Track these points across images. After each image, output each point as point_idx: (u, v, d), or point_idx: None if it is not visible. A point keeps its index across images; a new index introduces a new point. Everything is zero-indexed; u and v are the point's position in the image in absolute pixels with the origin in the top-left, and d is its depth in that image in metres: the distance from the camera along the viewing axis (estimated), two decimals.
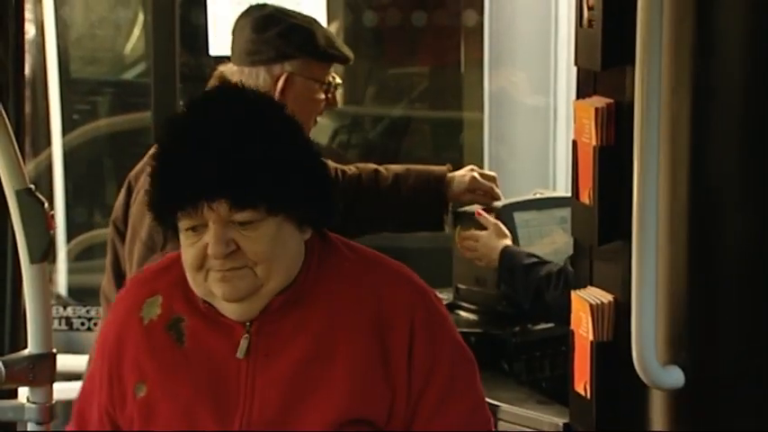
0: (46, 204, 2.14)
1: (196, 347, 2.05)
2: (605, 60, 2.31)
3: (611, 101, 2.32)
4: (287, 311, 2.07)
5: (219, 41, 4.53)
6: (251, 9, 2.92)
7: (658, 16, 2.15)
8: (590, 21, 2.35)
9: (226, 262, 1.99)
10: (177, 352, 2.05)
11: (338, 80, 2.95)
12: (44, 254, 2.14)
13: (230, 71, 2.87)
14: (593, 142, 2.32)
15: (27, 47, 5.09)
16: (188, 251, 2.02)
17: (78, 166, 5.22)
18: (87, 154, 5.35)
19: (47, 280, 2.15)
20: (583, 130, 2.36)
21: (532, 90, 4.46)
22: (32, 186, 2.13)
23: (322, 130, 5.50)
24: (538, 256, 2.98)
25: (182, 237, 2.04)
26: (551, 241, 3.08)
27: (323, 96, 2.90)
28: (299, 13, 2.92)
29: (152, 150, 2.88)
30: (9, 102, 2.34)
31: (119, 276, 2.84)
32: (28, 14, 5.08)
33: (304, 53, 2.83)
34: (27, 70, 5.07)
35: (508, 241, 3.03)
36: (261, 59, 2.82)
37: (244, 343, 2.04)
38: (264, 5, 2.93)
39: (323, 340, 2.06)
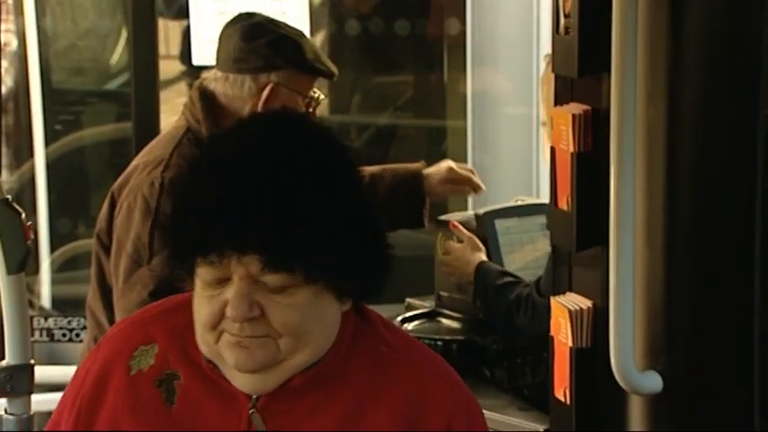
0: (23, 215, 2.14)
1: (187, 412, 1.73)
2: (582, 67, 2.31)
3: (589, 107, 2.33)
4: (306, 390, 1.75)
5: (202, 51, 4.53)
6: (240, 17, 2.91)
7: (633, 23, 2.16)
8: (566, 28, 2.36)
9: (246, 327, 1.66)
10: (163, 413, 1.73)
11: (321, 96, 2.95)
12: (21, 265, 2.13)
13: (213, 77, 2.86)
14: (571, 149, 2.32)
15: (10, 58, 5.11)
16: (203, 305, 1.67)
17: (62, 176, 5.22)
18: (71, 164, 5.35)
19: (24, 291, 2.15)
20: (560, 137, 2.37)
21: (515, 97, 4.47)
22: (9, 197, 2.13)
23: None
24: (511, 275, 2.99)
25: (197, 286, 1.70)
26: (533, 249, 3.08)
27: (303, 110, 2.87)
28: (288, 25, 2.92)
29: (136, 162, 2.88)
30: None
31: (104, 290, 2.82)
32: (10, 26, 5.09)
33: (291, 65, 2.82)
34: (10, 82, 5.09)
35: (483, 256, 3.03)
36: (248, 68, 2.81)
37: (256, 420, 1.73)
38: (253, 14, 2.93)
39: (345, 428, 1.75)
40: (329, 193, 1.65)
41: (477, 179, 3.21)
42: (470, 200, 4.46)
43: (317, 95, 2.90)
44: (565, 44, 2.35)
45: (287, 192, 1.62)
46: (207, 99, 2.84)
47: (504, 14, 4.50)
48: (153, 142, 2.91)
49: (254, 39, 2.81)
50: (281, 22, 2.91)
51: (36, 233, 4.97)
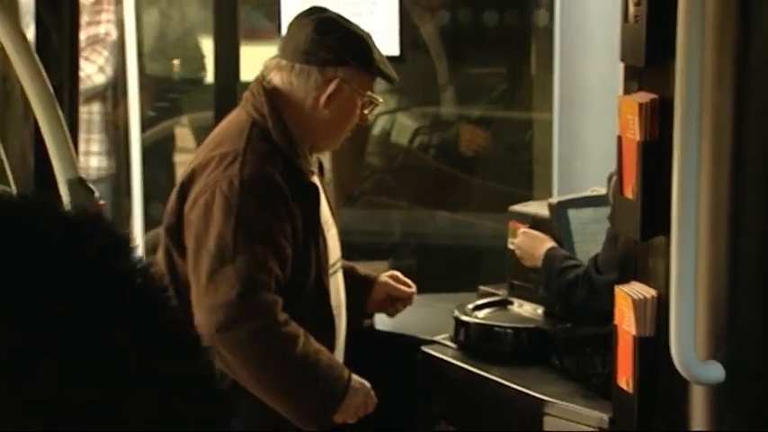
0: (96, 193, 2.20)
1: None
2: (649, 56, 2.31)
3: (656, 96, 2.32)
4: None
5: None
6: (313, 10, 2.94)
7: (699, 10, 2.15)
8: (635, 16, 2.35)
9: None
10: None
11: (379, 99, 2.96)
12: None
13: (276, 66, 2.88)
14: (637, 138, 2.32)
15: (110, 48, 5.23)
16: None
17: (156, 161, 5.33)
18: (165, 150, 5.46)
19: None
20: (627, 126, 2.37)
21: (602, 89, 4.45)
22: (83, 176, 2.19)
23: (402, 131, 5.54)
24: (575, 259, 2.99)
25: None
26: None
27: (359, 110, 2.87)
28: (358, 26, 2.94)
29: (205, 155, 2.84)
30: (65, 97, 2.40)
31: (177, 286, 2.79)
32: (110, 15, 5.21)
33: (359, 63, 2.83)
34: (110, 71, 5.22)
35: (551, 243, 3.04)
36: (317, 60, 2.82)
37: None
38: (326, 9, 2.95)
39: None
40: None
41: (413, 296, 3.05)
42: (555, 189, 4.45)
43: (376, 99, 2.91)
44: (633, 32, 2.35)
45: None
46: (269, 92, 2.84)
47: (593, 5, 4.48)
48: (217, 135, 2.89)
49: (327, 33, 2.83)
50: (353, 22, 2.93)
51: (130, 216, 5.08)
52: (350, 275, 3.06)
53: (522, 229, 3.13)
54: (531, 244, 3.07)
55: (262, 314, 2.70)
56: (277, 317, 2.71)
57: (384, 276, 3.06)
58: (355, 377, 2.80)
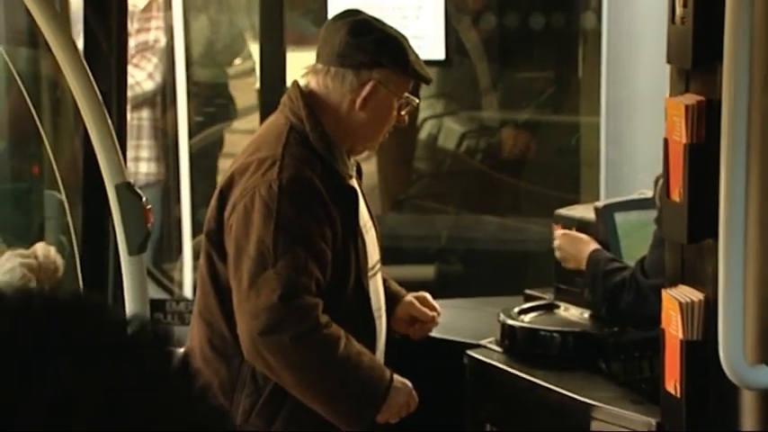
0: (144, 198, 2.22)
1: None
2: (696, 58, 2.30)
3: (702, 98, 2.31)
4: None
5: None
6: (347, 13, 2.93)
7: (748, 13, 2.14)
8: (682, 18, 2.34)
9: None
10: None
11: (416, 100, 2.95)
12: (141, 246, 2.22)
13: (313, 70, 2.88)
14: (684, 140, 2.31)
15: (159, 55, 5.27)
16: None
17: (206, 166, 5.36)
18: (213, 155, 5.49)
19: (144, 271, 2.23)
20: (674, 128, 2.35)
21: (650, 93, 4.42)
22: (131, 181, 2.21)
23: (449, 136, 5.54)
24: (620, 262, 2.97)
25: None
26: None
27: (396, 112, 2.87)
28: (393, 27, 2.93)
29: (244, 160, 2.84)
30: (113, 103, 2.43)
31: (219, 291, 2.80)
32: (159, 22, 5.26)
33: (394, 64, 2.83)
34: (159, 77, 5.25)
35: (594, 245, 3.02)
36: (352, 62, 2.82)
37: None
38: (360, 12, 2.95)
39: None
40: None
41: (437, 318, 3.01)
42: (602, 193, 4.43)
43: (412, 99, 2.90)
44: (679, 34, 2.34)
45: None
46: (306, 96, 2.85)
47: (641, 8, 4.45)
48: (256, 140, 2.90)
49: (362, 35, 2.83)
50: (387, 24, 2.92)
51: (179, 221, 5.11)
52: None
53: (562, 231, 3.11)
54: (573, 245, 3.06)
55: (304, 317, 2.71)
56: (319, 319, 2.72)
57: (411, 296, 3.04)
58: (397, 377, 2.81)
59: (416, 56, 2.90)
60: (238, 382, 2.81)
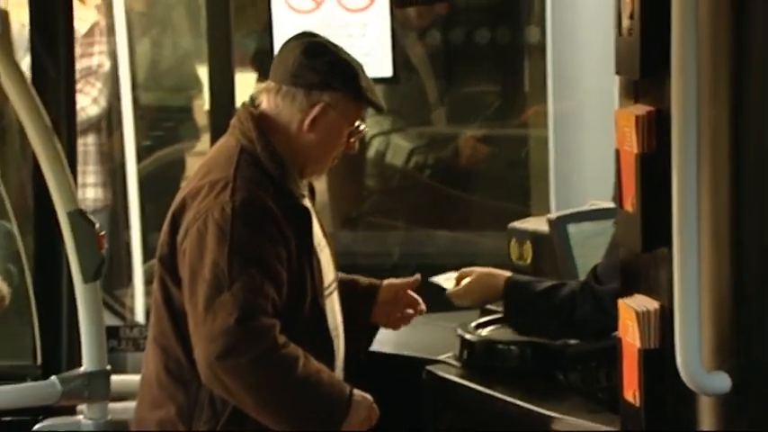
0: (97, 225, 2.20)
1: None
2: (644, 68, 2.32)
3: (652, 108, 2.33)
4: None
5: None
6: (304, 34, 2.94)
7: (693, 22, 2.16)
8: (629, 29, 2.36)
9: None
10: None
11: (365, 128, 2.93)
12: (96, 273, 2.20)
13: (265, 88, 2.89)
14: (635, 150, 2.33)
15: (103, 79, 5.24)
16: None
17: (154, 190, 5.33)
18: (163, 178, 5.46)
19: (99, 299, 2.21)
20: (625, 139, 2.37)
21: (596, 104, 4.47)
22: (82, 208, 2.20)
23: (398, 152, 5.55)
24: (550, 280, 2.98)
25: None
26: None
27: (345, 138, 2.86)
28: (348, 54, 2.92)
29: (195, 184, 2.75)
30: (62, 130, 2.41)
31: (174, 316, 2.79)
32: (102, 47, 5.22)
33: (346, 88, 2.83)
34: (104, 102, 5.22)
35: (506, 273, 3.03)
36: (303, 82, 2.82)
37: None
38: (316, 34, 2.96)
39: None
40: None
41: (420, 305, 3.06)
42: (553, 205, 4.46)
43: (361, 127, 2.89)
44: (627, 45, 2.36)
45: None
46: (256, 117, 2.84)
47: (584, 21, 4.50)
48: (207, 163, 2.89)
49: (315, 56, 2.83)
50: (343, 49, 2.92)
51: (129, 247, 5.08)
52: (353, 287, 3.06)
53: (465, 278, 3.06)
54: (483, 283, 3.04)
55: (261, 339, 2.70)
56: (276, 340, 2.71)
57: (389, 280, 3.07)
58: (357, 392, 2.81)
59: (369, 83, 2.90)
60: (196, 407, 2.79)
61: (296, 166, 2.88)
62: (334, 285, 2.97)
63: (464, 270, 3.10)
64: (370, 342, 3.11)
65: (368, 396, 2.82)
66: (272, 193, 2.80)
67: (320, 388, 2.74)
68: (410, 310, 3.08)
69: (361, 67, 2.90)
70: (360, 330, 3.05)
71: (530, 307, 2.95)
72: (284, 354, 2.71)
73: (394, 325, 3.10)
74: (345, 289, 3.04)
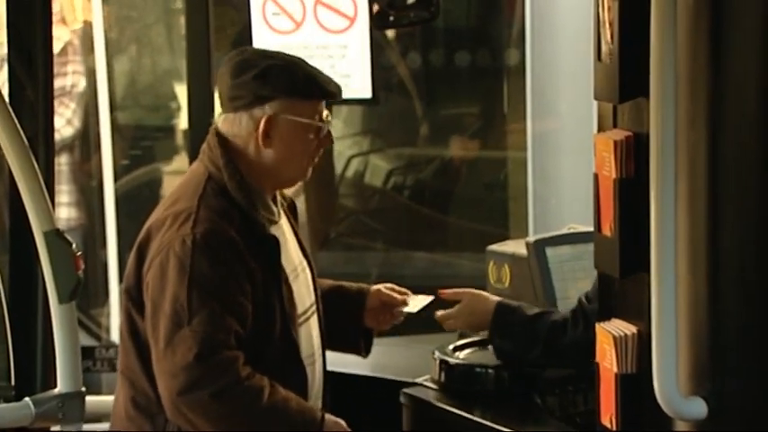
0: (74, 245, 2.19)
1: None
2: (622, 94, 2.32)
3: (631, 133, 2.33)
4: None
5: None
6: (232, 55, 2.88)
7: (671, 48, 2.17)
8: (608, 55, 2.37)
9: None
10: None
11: (327, 116, 2.84)
12: (72, 294, 2.19)
13: (222, 119, 2.84)
14: (613, 175, 2.33)
15: (77, 99, 5.22)
16: None
17: (133, 209, 5.32)
18: (140, 198, 5.45)
19: (75, 319, 2.20)
20: (603, 163, 2.38)
21: (575, 127, 4.48)
22: (59, 228, 2.18)
23: (376, 172, 5.56)
24: (540, 308, 2.98)
25: None
26: (586, 276, 3.07)
27: (312, 136, 2.81)
28: (281, 54, 2.85)
29: (161, 214, 2.71)
30: (39, 149, 2.40)
31: (139, 348, 2.76)
32: (76, 66, 5.21)
33: (281, 93, 2.77)
34: (77, 122, 5.20)
35: (496, 297, 3.03)
36: (242, 104, 2.78)
37: None
38: (245, 50, 2.89)
39: None
40: None
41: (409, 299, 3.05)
42: (531, 228, 4.46)
43: (325, 117, 2.81)
44: (606, 71, 2.36)
45: None
46: (223, 143, 2.81)
47: (563, 44, 4.51)
48: (175, 192, 2.86)
49: (241, 74, 2.78)
50: (274, 53, 2.86)
51: (105, 266, 5.06)
52: (340, 293, 3.03)
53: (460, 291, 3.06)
54: (473, 307, 3.03)
55: (223, 373, 2.67)
56: (239, 373, 2.68)
57: (378, 286, 3.05)
58: (329, 417, 2.78)
59: (309, 75, 2.81)
60: None
61: (267, 187, 2.85)
62: (312, 310, 2.93)
63: (444, 292, 3.07)
64: (369, 342, 3.08)
65: (340, 421, 2.79)
66: (237, 223, 2.76)
67: (288, 416, 2.71)
68: (398, 309, 3.06)
69: (296, 62, 2.82)
70: (356, 333, 3.03)
71: (515, 333, 2.94)
72: (247, 386, 2.68)
73: (385, 325, 3.08)
74: (333, 296, 3.02)
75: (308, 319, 2.90)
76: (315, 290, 2.96)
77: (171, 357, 2.66)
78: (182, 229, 2.72)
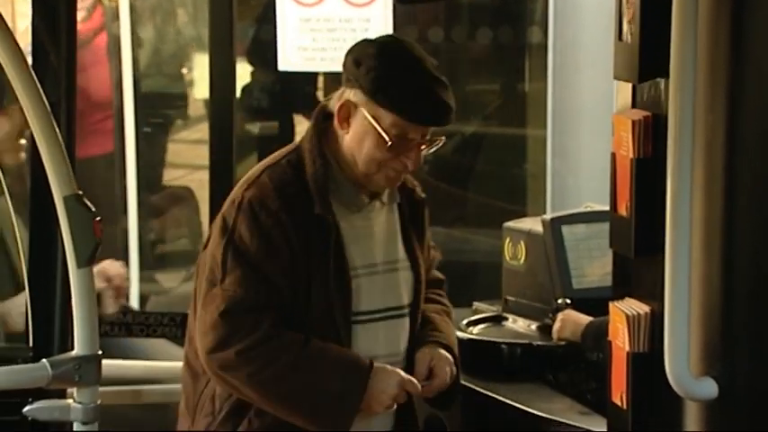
0: (93, 210, 2.21)
1: None
2: (642, 73, 2.32)
3: (649, 114, 2.34)
4: None
5: (288, 57, 4.61)
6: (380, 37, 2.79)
7: (692, 28, 2.17)
8: (629, 34, 2.37)
9: None
10: None
11: (420, 135, 2.63)
12: (90, 258, 2.21)
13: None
14: (631, 155, 2.34)
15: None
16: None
17: (151, 177, 5.34)
18: (160, 166, 5.48)
19: (93, 284, 2.22)
20: (621, 143, 2.38)
21: (596, 105, 4.47)
22: (80, 192, 2.20)
23: None
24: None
25: None
26: (601, 255, 3.08)
27: (384, 145, 2.61)
28: (412, 58, 2.65)
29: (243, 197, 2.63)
30: (61, 114, 2.41)
31: (195, 307, 2.71)
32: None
33: (367, 86, 2.62)
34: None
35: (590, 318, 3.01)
36: (342, 81, 2.71)
37: None
38: (392, 37, 2.83)
39: None
40: None
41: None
42: (549, 205, 4.47)
43: (419, 137, 2.60)
44: (626, 50, 2.36)
45: None
46: (324, 118, 2.70)
47: (586, 23, 4.50)
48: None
49: (351, 53, 2.68)
50: (409, 54, 2.64)
51: (125, 233, 5.09)
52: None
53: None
54: (571, 316, 3.04)
55: (247, 332, 2.62)
56: (265, 332, 2.63)
57: (425, 353, 2.78)
58: (380, 365, 2.65)
59: (413, 91, 2.61)
60: (200, 400, 2.76)
61: (350, 173, 2.70)
62: (393, 313, 2.75)
63: None
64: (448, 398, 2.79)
65: (398, 370, 2.66)
66: (294, 199, 2.66)
67: (328, 365, 2.62)
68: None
69: (406, 71, 2.61)
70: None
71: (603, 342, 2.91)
72: (276, 344, 2.63)
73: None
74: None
75: (379, 320, 2.75)
76: (410, 293, 2.78)
77: (203, 316, 2.66)
78: (237, 190, 2.71)
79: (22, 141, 3.22)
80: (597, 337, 2.94)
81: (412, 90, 2.63)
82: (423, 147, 2.67)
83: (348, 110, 2.67)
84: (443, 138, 2.69)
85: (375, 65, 2.64)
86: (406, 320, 2.77)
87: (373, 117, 2.63)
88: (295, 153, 2.73)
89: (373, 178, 2.69)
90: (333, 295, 2.67)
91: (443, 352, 2.74)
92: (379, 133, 2.62)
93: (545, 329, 3.08)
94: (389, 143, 2.61)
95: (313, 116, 2.76)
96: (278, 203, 2.66)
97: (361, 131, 2.66)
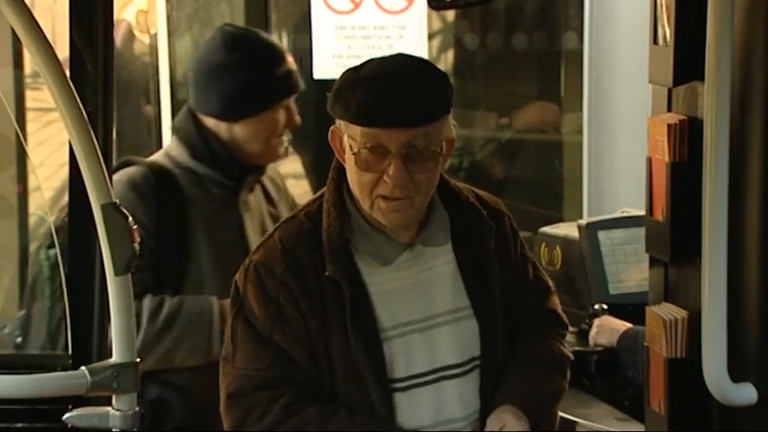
0: (130, 218, 2.22)
1: None
2: (678, 77, 2.32)
3: (685, 117, 2.33)
4: None
5: (323, 65, 4.63)
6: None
7: (728, 32, 2.16)
8: (664, 38, 2.37)
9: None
10: None
11: (406, 147, 2.26)
12: (128, 266, 2.21)
13: None
14: (667, 159, 2.33)
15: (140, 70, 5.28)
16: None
17: None
18: None
19: (130, 291, 2.23)
20: (656, 147, 2.37)
21: (631, 110, 4.46)
22: (117, 201, 2.21)
23: None
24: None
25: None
26: (639, 270, 3.06)
27: (355, 152, 2.32)
28: (368, 66, 2.36)
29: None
30: (98, 123, 2.43)
31: None
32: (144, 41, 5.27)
33: (333, 106, 2.38)
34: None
35: (629, 325, 3.01)
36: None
37: None
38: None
39: None
40: None
41: None
42: (585, 210, 4.46)
43: (369, 145, 2.29)
44: (661, 54, 2.36)
45: None
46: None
47: (622, 28, 4.49)
48: None
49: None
50: (367, 63, 2.37)
51: None
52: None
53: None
54: (608, 323, 3.05)
55: (260, 414, 2.39)
56: (282, 410, 2.38)
57: (494, 418, 2.42)
58: None
59: (359, 95, 2.33)
60: None
61: (372, 217, 2.38)
62: (446, 374, 2.40)
63: None
64: None
65: None
66: (306, 258, 2.38)
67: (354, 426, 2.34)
68: None
69: (363, 76, 2.33)
70: None
71: (637, 359, 2.89)
72: (296, 421, 2.36)
73: None
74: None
75: (423, 384, 2.41)
76: (474, 346, 2.42)
77: (220, 387, 2.45)
78: (252, 253, 2.46)
79: None
80: (632, 351, 2.92)
81: (363, 92, 2.32)
82: (412, 159, 2.32)
83: (337, 138, 2.39)
84: (443, 144, 2.37)
85: (338, 83, 2.38)
86: (467, 379, 2.43)
87: (348, 136, 2.35)
88: (317, 202, 2.44)
89: (375, 215, 2.38)
90: (360, 362, 2.37)
91: (513, 417, 2.39)
92: (355, 151, 2.33)
93: (582, 335, 3.07)
94: (355, 151, 2.31)
95: (334, 159, 2.44)
96: (283, 266, 2.39)
97: (347, 157, 2.38)
